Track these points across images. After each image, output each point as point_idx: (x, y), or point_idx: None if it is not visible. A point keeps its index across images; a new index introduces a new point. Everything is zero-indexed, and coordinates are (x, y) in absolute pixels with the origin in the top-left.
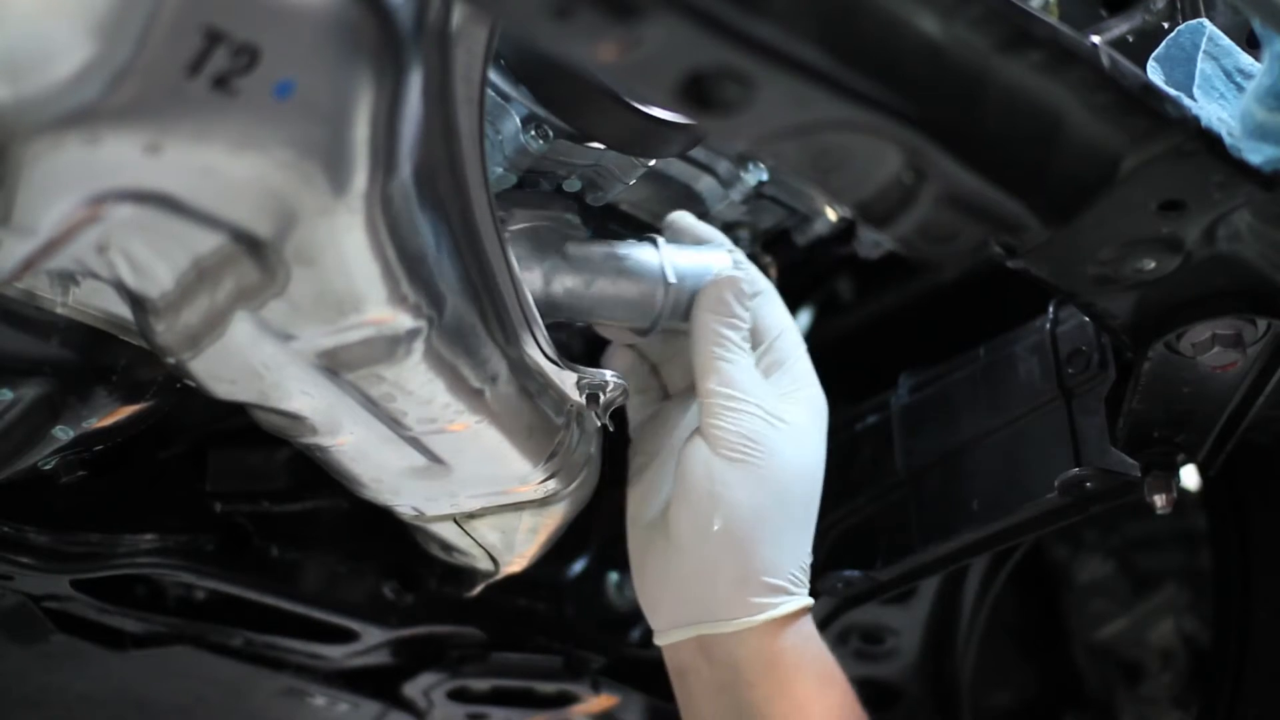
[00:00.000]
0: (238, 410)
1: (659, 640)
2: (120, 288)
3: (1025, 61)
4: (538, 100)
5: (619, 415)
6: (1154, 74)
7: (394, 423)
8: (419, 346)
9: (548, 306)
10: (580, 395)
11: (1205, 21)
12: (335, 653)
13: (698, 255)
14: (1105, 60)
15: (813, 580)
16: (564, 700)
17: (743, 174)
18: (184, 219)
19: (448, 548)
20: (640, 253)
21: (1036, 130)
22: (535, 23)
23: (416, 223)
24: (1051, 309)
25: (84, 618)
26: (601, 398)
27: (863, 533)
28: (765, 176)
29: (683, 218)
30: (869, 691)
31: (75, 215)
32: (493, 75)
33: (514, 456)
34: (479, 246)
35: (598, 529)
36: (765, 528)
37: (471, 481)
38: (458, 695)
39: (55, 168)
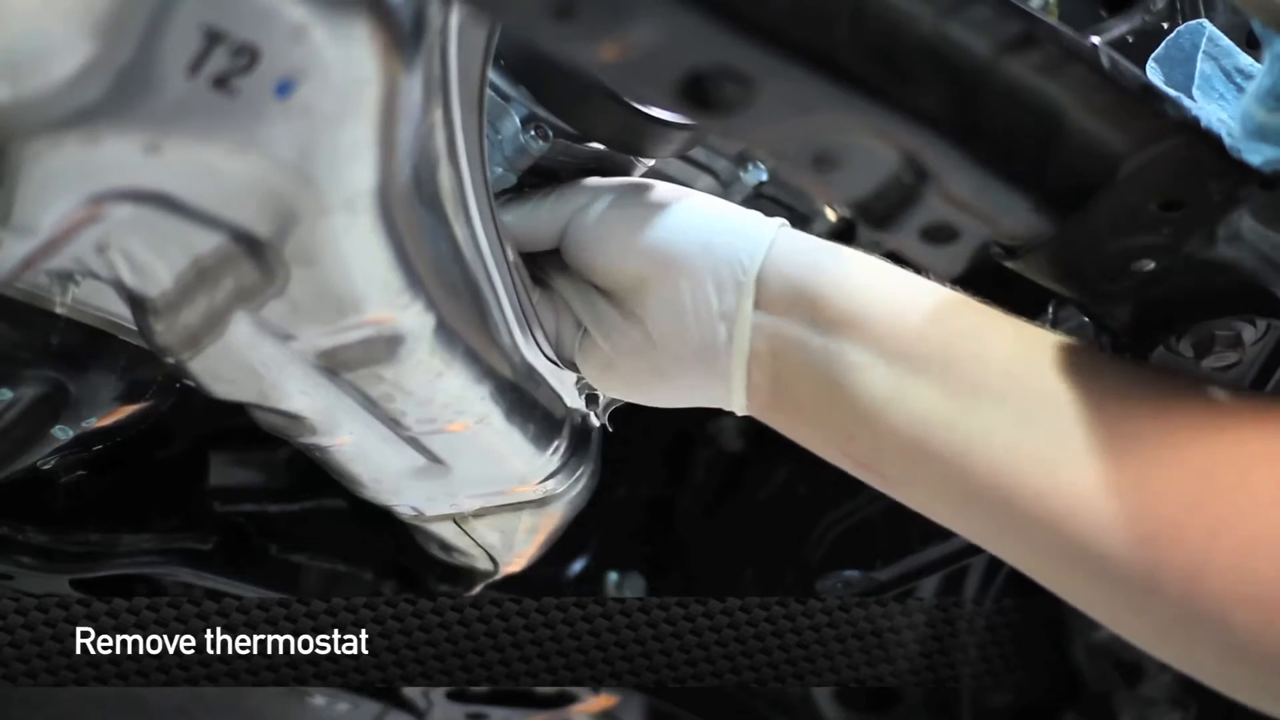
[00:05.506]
0: (237, 410)
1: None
2: (120, 287)
3: (1025, 62)
4: (538, 100)
5: (618, 415)
6: (1154, 74)
7: (393, 423)
8: (418, 347)
9: None
10: (579, 396)
11: (1205, 22)
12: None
13: None
14: (1105, 61)
15: (813, 581)
16: (564, 700)
17: (742, 174)
18: (184, 219)
19: (447, 548)
20: None
21: (1036, 130)
22: (536, 23)
23: (416, 223)
24: (1051, 310)
25: None
26: (601, 398)
27: (862, 532)
28: (765, 176)
29: None
30: (869, 691)
31: (75, 215)
32: (493, 75)
33: (513, 457)
34: (479, 247)
35: (597, 529)
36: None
37: (471, 482)
38: (457, 695)
39: (55, 167)
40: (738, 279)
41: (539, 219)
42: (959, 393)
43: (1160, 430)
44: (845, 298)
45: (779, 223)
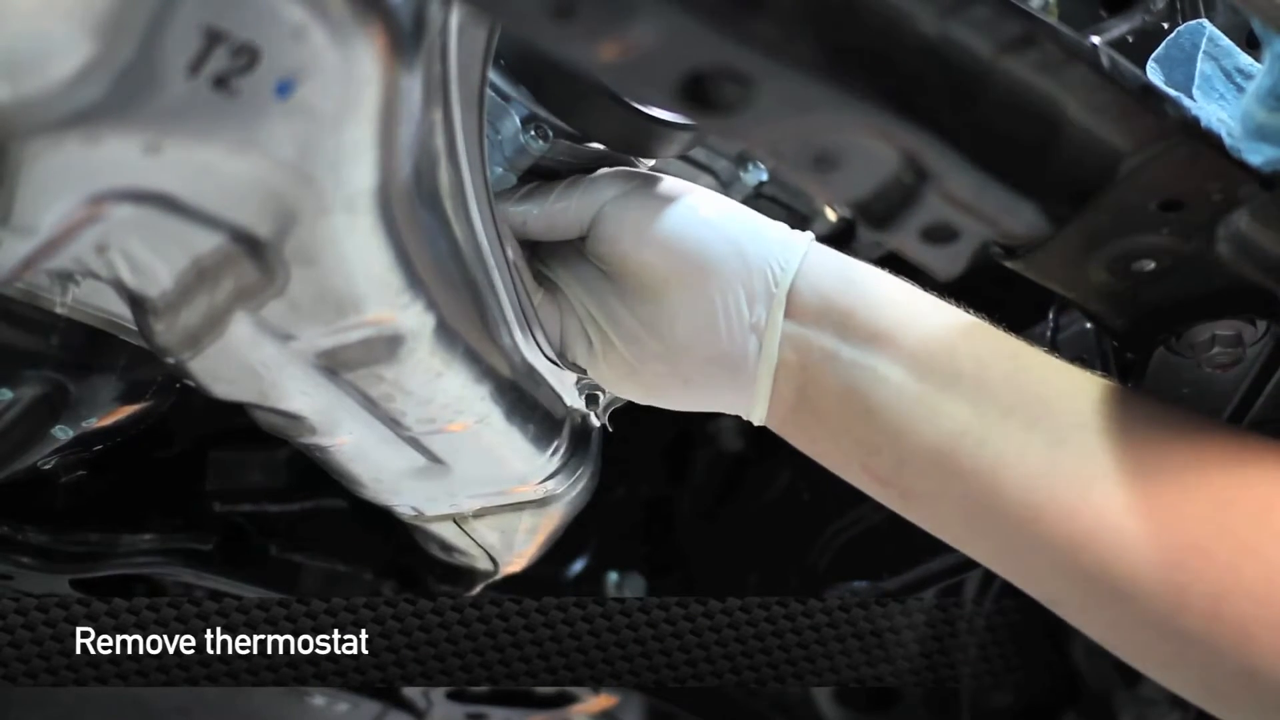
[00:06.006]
0: (237, 410)
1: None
2: (120, 287)
3: (1025, 61)
4: (538, 100)
5: (618, 415)
6: (1154, 74)
7: (393, 423)
8: (418, 347)
9: None
10: (579, 396)
11: (1205, 22)
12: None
13: None
14: (1105, 60)
15: (819, 591)
16: (564, 700)
17: (742, 174)
18: (183, 219)
19: (447, 548)
20: None
21: (1036, 130)
22: (535, 23)
23: (416, 223)
24: (1052, 315)
25: None
26: (601, 398)
27: (867, 541)
28: (765, 176)
29: None
30: (869, 691)
31: (75, 215)
32: (493, 75)
33: (513, 457)
34: (478, 247)
35: (597, 529)
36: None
37: (471, 482)
38: (457, 695)
39: (55, 167)
40: (770, 289)
41: (568, 206)
42: (992, 412)
43: (1187, 457)
44: (878, 312)
45: (809, 236)
